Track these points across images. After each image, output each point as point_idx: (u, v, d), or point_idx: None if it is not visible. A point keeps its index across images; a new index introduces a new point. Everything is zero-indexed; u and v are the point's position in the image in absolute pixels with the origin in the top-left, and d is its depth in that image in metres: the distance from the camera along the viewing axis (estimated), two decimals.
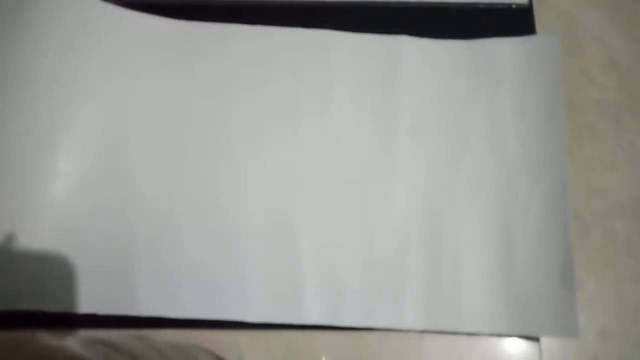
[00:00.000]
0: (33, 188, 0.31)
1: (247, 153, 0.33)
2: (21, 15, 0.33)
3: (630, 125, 0.35)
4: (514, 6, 0.37)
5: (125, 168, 0.32)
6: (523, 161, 0.33)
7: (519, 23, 0.37)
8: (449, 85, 0.35)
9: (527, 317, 0.31)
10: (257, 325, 0.30)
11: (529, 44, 0.36)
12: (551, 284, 0.31)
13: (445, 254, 0.32)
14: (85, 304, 0.30)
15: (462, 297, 0.31)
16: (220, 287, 0.31)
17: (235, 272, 0.31)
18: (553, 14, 0.38)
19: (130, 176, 0.32)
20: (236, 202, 0.32)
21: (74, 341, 0.21)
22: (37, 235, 0.30)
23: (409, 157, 0.33)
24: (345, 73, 0.35)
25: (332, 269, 0.32)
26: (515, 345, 0.31)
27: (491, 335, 0.31)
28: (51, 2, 0.34)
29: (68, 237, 0.31)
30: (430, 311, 0.31)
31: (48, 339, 0.20)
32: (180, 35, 0.35)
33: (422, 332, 0.31)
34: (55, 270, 0.30)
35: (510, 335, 0.31)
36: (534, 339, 0.31)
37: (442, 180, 0.33)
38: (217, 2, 0.37)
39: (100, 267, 0.30)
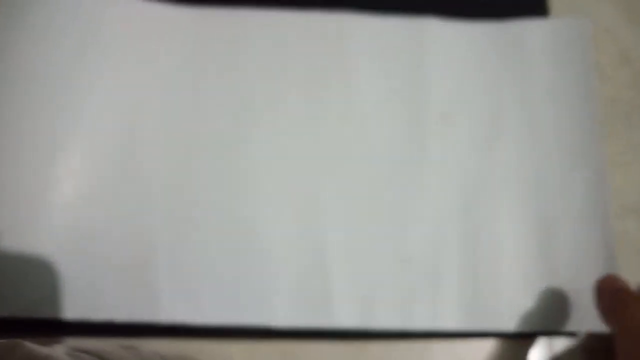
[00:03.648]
0: (45, 192, 0.31)
1: (267, 148, 0.32)
2: (29, 12, 0.33)
3: None
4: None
5: (140, 169, 0.32)
6: (560, 146, 0.32)
7: (532, 12, 0.35)
8: (479, 69, 0.34)
9: (570, 313, 0.29)
10: (253, 335, 0.30)
11: (560, 26, 0.35)
12: (594, 276, 0.29)
13: (482, 249, 0.31)
14: (104, 311, 0.29)
15: (501, 295, 0.30)
16: (245, 291, 0.30)
17: (260, 275, 0.30)
18: (565, 8, 0.37)
19: (147, 179, 0.31)
20: (258, 202, 0.31)
21: (61, 350, 0.21)
22: (50, 243, 0.30)
23: (441, 145, 0.32)
24: (369, 59, 0.34)
25: (363, 268, 0.30)
26: (525, 355, 0.30)
27: (534, 333, 0.30)
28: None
29: (84, 244, 0.30)
30: (470, 311, 0.30)
31: (35, 347, 0.20)
32: (193, 23, 0.34)
33: (428, 342, 0.30)
34: (72, 277, 0.30)
35: (553, 333, 0.30)
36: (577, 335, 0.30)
37: (477, 170, 0.32)
38: None
39: (119, 274, 0.30)
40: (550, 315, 0.30)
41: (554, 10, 0.36)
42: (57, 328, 0.30)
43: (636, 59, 0.36)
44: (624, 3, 0.37)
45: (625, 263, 0.31)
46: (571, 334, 0.30)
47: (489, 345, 0.30)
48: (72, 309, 0.29)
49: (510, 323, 0.30)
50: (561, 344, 0.30)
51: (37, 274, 0.30)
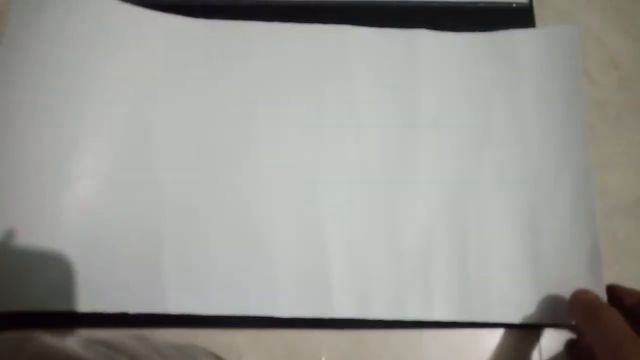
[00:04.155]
0: (58, 190, 0.31)
1: (271, 149, 0.33)
2: (42, 19, 0.34)
3: (631, 126, 0.36)
4: (514, 5, 0.38)
5: (149, 168, 0.32)
6: (546, 150, 0.33)
7: (519, 22, 0.37)
8: (469, 77, 0.35)
9: (556, 306, 0.31)
10: (257, 324, 0.30)
11: (548, 35, 0.36)
12: (579, 271, 0.31)
13: (472, 245, 0.32)
14: (114, 304, 0.30)
15: (490, 288, 0.31)
16: (249, 283, 0.31)
17: (263, 267, 0.31)
18: (553, 14, 0.38)
19: (155, 176, 0.32)
20: (262, 199, 0.32)
21: (73, 341, 0.21)
22: (63, 238, 0.31)
23: (433, 148, 0.34)
24: (366, 67, 0.35)
25: (360, 262, 0.32)
26: (514, 344, 0.31)
27: (521, 324, 0.31)
28: (72, 4, 0.34)
29: (95, 239, 0.31)
30: (460, 302, 0.31)
31: (48, 338, 0.20)
32: (201, 34, 0.35)
33: (422, 332, 0.31)
34: (84, 272, 0.30)
35: (539, 324, 0.31)
36: (563, 326, 0.31)
37: (466, 171, 0.33)
38: (235, 3, 0.37)
39: (129, 267, 0.31)
40: (537, 308, 0.31)
41: (545, 18, 0.37)
42: (69, 320, 0.30)
43: (624, 63, 0.37)
44: (613, 11, 0.38)
45: (614, 262, 0.33)
46: (557, 326, 0.31)
47: (479, 335, 0.31)
48: (85, 302, 0.30)
49: (498, 315, 0.31)
50: (549, 334, 0.31)
51: (50, 268, 0.30)
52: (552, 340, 0.31)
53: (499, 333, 0.31)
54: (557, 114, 0.34)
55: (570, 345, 0.31)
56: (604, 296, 0.30)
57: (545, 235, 0.32)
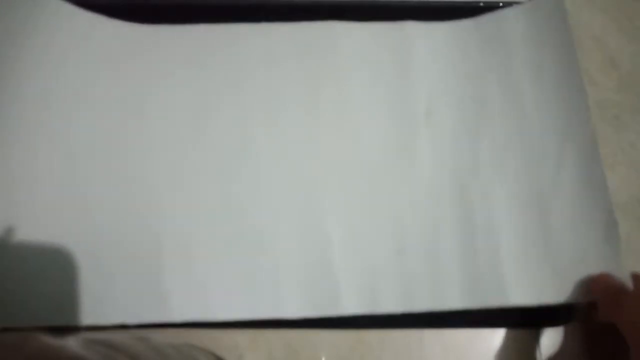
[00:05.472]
0: (55, 202, 0.31)
1: (267, 149, 0.33)
2: (16, 31, 0.34)
3: (630, 126, 0.36)
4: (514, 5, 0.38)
5: (147, 176, 0.32)
6: (547, 124, 0.33)
7: None
8: (461, 64, 0.35)
9: (573, 283, 0.30)
10: (257, 325, 0.30)
11: (534, 8, 0.36)
12: (595, 243, 0.30)
13: (479, 230, 0.31)
14: (116, 315, 0.29)
15: (503, 271, 0.30)
16: (253, 286, 0.30)
17: (268, 269, 0.31)
18: None
19: (154, 183, 0.32)
20: (261, 200, 0.32)
21: (74, 341, 0.21)
22: (61, 250, 0.30)
23: (430, 138, 0.33)
24: (358, 62, 0.35)
25: (365, 257, 0.31)
26: (514, 344, 0.31)
27: (540, 305, 0.30)
28: (28, 9, 0.34)
29: (95, 249, 0.30)
30: (472, 289, 0.30)
31: (48, 339, 0.20)
32: (189, 40, 0.35)
33: (423, 331, 0.31)
34: (83, 283, 0.30)
35: (558, 304, 0.30)
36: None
37: (466, 157, 0.33)
38: (223, 3, 0.37)
39: (130, 277, 0.30)
40: (555, 287, 0.30)
41: None
42: None
43: (623, 63, 0.37)
44: (613, 11, 0.38)
45: None
46: (568, 315, 0.31)
47: (479, 335, 0.31)
48: (85, 315, 0.29)
49: (514, 298, 0.30)
50: (549, 333, 0.31)
51: (49, 282, 0.30)
52: (552, 340, 0.31)
53: (499, 333, 0.31)
54: (554, 86, 0.34)
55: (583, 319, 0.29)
56: (621, 266, 0.29)
57: (555, 211, 0.31)
